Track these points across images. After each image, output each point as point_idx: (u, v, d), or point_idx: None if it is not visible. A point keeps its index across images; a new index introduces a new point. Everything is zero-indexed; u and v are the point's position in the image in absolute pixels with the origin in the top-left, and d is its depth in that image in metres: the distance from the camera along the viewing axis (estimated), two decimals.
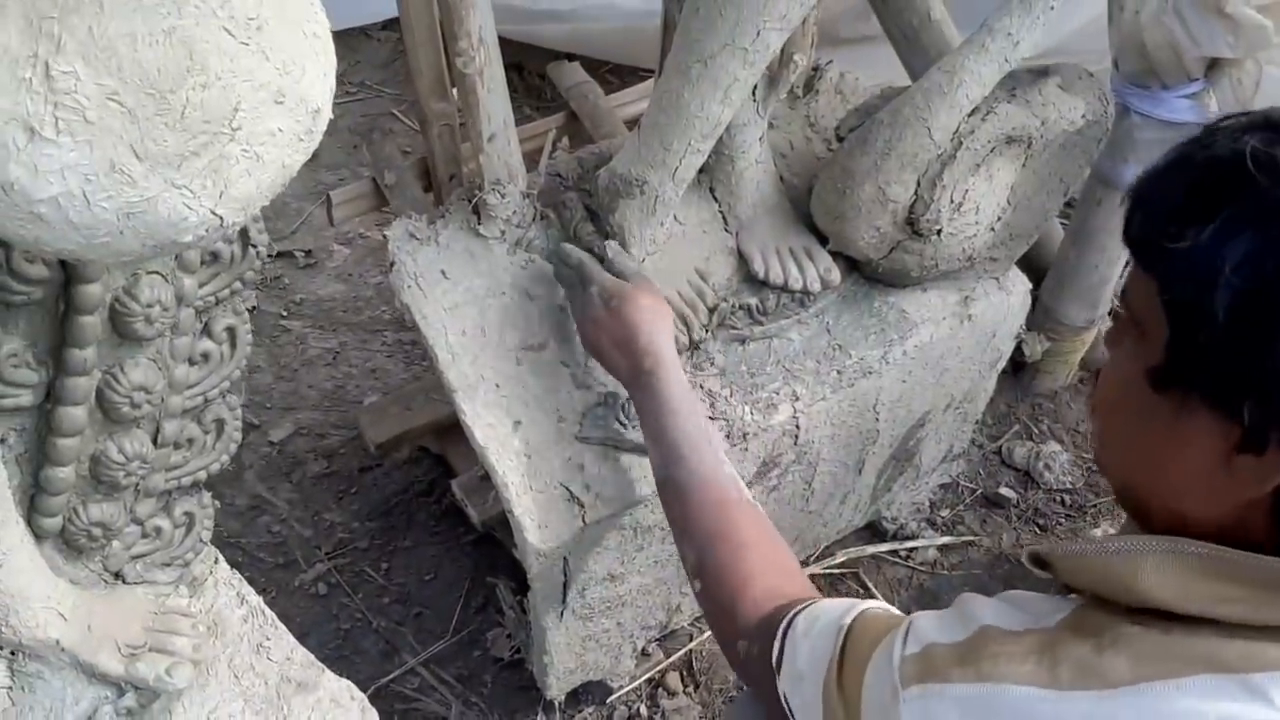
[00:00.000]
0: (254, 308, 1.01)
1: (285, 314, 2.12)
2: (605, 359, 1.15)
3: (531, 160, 1.41)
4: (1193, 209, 0.60)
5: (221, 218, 0.62)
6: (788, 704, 0.80)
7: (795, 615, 0.83)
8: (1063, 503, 1.89)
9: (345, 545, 1.75)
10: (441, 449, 1.75)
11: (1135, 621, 0.63)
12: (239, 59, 0.58)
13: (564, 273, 1.23)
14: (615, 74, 2.51)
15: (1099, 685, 0.61)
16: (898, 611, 0.83)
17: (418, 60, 1.40)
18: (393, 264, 1.27)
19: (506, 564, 1.64)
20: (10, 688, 0.93)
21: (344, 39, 2.62)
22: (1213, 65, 1.47)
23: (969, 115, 1.24)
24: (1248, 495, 0.62)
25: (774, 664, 0.82)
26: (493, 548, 1.69)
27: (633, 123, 1.69)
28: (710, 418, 1.28)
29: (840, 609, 0.81)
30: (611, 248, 1.22)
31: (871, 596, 1.72)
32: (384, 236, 1.30)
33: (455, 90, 1.36)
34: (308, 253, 2.25)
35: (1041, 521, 1.85)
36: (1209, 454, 0.62)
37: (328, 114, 0.67)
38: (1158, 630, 0.62)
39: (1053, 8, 1.17)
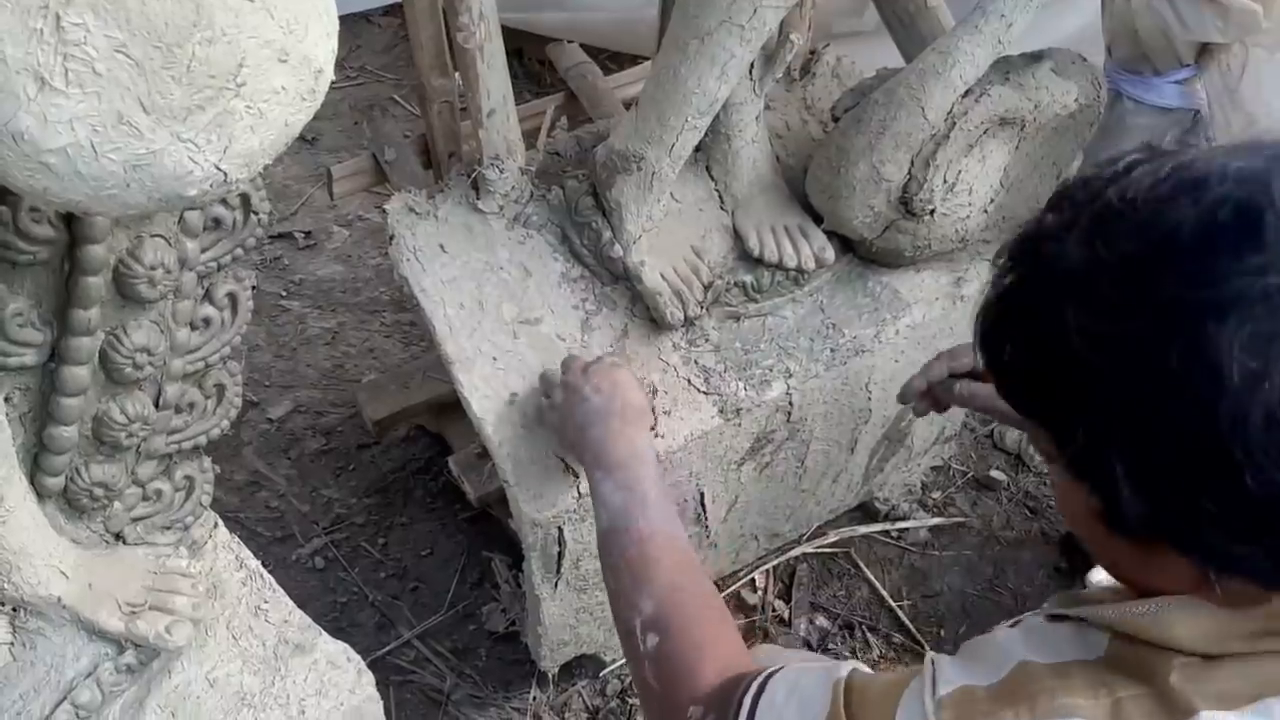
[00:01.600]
0: (254, 287, 1.02)
1: (285, 294, 2.14)
2: (573, 454, 1.17)
3: (530, 140, 1.42)
4: None
5: (225, 173, 0.64)
6: None
7: (767, 680, 0.77)
8: (1052, 486, 1.90)
9: (343, 521, 1.77)
10: (439, 427, 1.77)
11: (1176, 654, 0.62)
12: (244, 15, 0.60)
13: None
14: (614, 60, 2.53)
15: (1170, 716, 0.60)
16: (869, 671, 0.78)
17: (418, 35, 1.41)
18: (392, 237, 1.28)
19: (502, 540, 1.66)
20: (12, 644, 0.95)
21: (346, 24, 2.59)
22: (1202, 51, 1.48)
23: (963, 96, 1.25)
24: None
25: None
26: (488, 524, 1.70)
27: (631, 104, 1.70)
28: (703, 392, 1.30)
29: (822, 668, 0.76)
30: (540, 377, 1.23)
31: (863, 576, 1.75)
32: (383, 212, 1.31)
33: (456, 71, 1.37)
34: (307, 234, 2.26)
35: (1031, 504, 1.87)
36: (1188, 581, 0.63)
37: (329, 74, 0.68)
38: (1200, 662, 0.62)
39: None
